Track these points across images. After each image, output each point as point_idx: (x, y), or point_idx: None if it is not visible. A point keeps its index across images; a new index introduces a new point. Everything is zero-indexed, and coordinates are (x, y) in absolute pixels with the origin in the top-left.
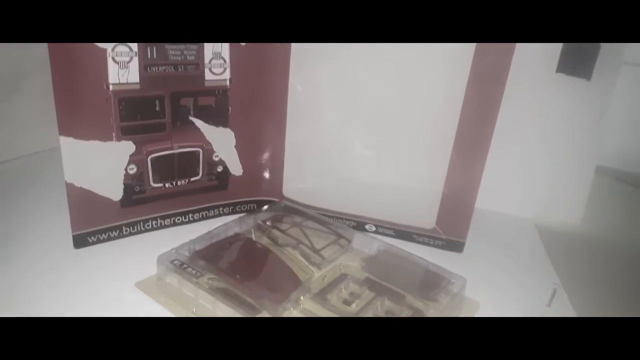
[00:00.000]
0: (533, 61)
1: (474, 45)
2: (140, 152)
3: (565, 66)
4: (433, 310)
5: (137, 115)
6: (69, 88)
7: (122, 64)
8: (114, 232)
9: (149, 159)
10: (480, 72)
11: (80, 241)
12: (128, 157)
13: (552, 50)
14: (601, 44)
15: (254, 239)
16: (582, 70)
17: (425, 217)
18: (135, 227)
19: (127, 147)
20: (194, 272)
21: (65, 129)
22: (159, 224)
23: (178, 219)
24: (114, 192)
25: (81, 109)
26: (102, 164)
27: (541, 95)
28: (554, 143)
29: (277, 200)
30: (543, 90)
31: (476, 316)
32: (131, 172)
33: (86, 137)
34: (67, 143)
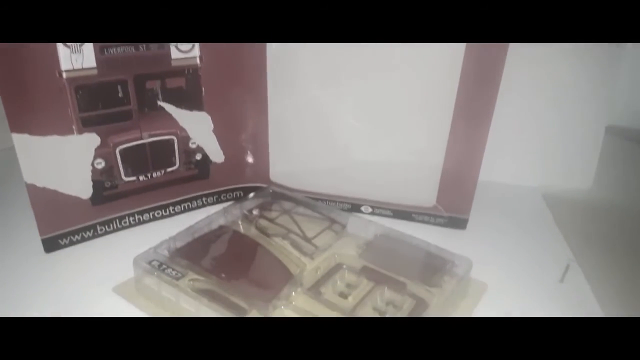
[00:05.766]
0: None
1: None
2: (107, 144)
3: None
4: (437, 297)
5: (98, 103)
6: (15, 79)
7: (74, 47)
8: (87, 233)
9: (117, 151)
10: None
11: (51, 245)
12: (93, 151)
13: None
14: None
15: (240, 231)
16: None
17: (425, 195)
18: (111, 225)
19: (91, 139)
20: (174, 273)
21: (17, 125)
22: (137, 220)
23: (158, 213)
24: (82, 189)
25: (33, 102)
26: (65, 161)
27: (544, 54)
28: (559, 105)
29: (264, 185)
30: (546, 50)
31: (484, 301)
32: (99, 166)
33: (43, 132)
34: (22, 140)
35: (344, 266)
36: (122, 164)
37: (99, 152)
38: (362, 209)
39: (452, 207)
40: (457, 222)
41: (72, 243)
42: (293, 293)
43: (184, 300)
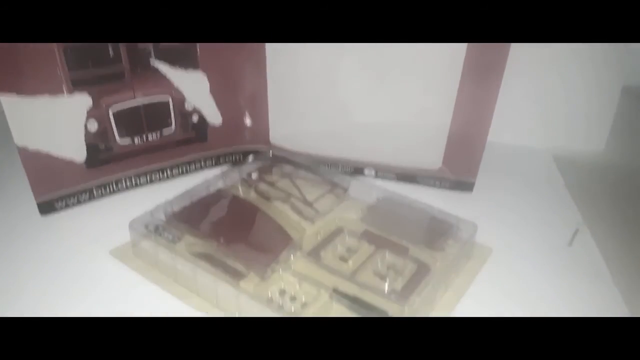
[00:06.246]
0: None
1: None
2: (99, 105)
3: None
4: (440, 262)
5: (88, 62)
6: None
7: None
8: (83, 196)
9: (110, 112)
10: None
11: (46, 208)
12: (85, 112)
13: None
14: None
15: (240, 195)
16: None
17: (431, 157)
18: (108, 188)
19: (83, 100)
20: (170, 236)
21: (5, 85)
22: (134, 183)
23: (155, 176)
24: (76, 152)
25: (20, 61)
26: (57, 122)
27: None
28: (573, 64)
29: (263, 148)
30: None
31: (488, 265)
32: (92, 128)
33: (32, 92)
34: (10, 101)
35: (345, 230)
36: (115, 125)
37: (91, 114)
38: (365, 172)
39: (459, 169)
40: (464, 185)
41: (68, 206)
42: (292, 257)
43: (181, 264)
